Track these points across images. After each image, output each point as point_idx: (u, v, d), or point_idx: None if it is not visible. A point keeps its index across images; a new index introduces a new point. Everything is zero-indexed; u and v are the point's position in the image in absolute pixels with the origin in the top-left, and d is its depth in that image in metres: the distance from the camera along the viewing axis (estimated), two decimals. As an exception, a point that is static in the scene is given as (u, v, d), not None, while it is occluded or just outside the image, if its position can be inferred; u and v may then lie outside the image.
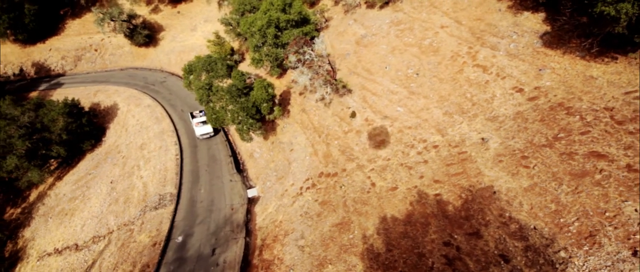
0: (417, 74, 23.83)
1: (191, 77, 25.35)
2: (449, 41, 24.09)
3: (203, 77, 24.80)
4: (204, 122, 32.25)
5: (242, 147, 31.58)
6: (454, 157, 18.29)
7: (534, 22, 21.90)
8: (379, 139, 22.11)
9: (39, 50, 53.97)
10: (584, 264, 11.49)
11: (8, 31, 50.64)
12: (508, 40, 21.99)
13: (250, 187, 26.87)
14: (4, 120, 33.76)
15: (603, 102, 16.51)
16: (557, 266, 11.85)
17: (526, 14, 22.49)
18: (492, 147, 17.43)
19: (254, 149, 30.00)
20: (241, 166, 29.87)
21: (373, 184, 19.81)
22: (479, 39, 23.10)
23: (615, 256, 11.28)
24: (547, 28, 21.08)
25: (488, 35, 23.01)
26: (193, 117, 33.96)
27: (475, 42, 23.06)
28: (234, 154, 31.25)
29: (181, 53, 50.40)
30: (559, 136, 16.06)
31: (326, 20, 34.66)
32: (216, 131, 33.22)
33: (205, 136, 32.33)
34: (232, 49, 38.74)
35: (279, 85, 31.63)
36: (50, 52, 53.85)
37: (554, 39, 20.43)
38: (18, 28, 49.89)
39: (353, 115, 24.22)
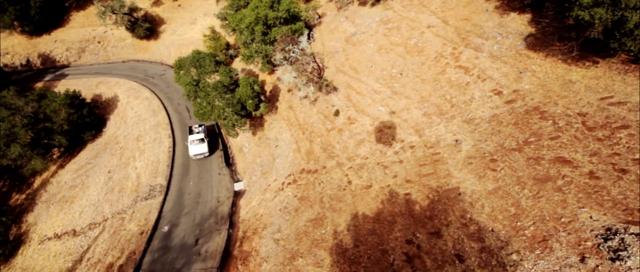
0: (401, 74, 23.93)
1: (182, 72, 26.02)
2: (434, 41, 24.03)
3: (193, 73, 25.44)
4: (202, 140, 29.72)
5: (232, 141, 32.33)
6: (427, 158, 18.56)
7: (520, 23, 21.67)
8: (359, 138, 22.46)
9: (45, 42, 55.50)
10: (533, 268, 11.81)
11: (15, 23, 52.14)
12: (492, 41, 21.84)
13: (238, 180, 27.66)
14: (8, 110, 35.25)
15: (578, 107, 16.48)
16: (508, 268, 12.19)
17: (513, 15, 22.23)
18: (464, 149, 17.63)
19: (243, 143, 30.71)
20: (231, 159, 30.66)
21: (349, 182, 20.28)
22: (463, 40, 22.99)
23: (563, 261, 11.56)
24: (532, 30, 20.86)
25: (473, 36, 22.87)
26: (190, 132, 31.43)
27: (460, 42, 22.96)
28: (225, 148, 32.04)
29: (181, 46, 51.15)
30: (529, 140, 16.16)
31: (319, 17, 34.73)
32: (212, 148, 30.81)
33: (198, 157, 29.44)
34: (227, 44, 39.22)
35: (270, 81, 32.07)
36: (56, 43, 55.32)
37: (538, 41, 20.24)
38: (24, 20, 51.34)
39: (337, 113, 24.57)
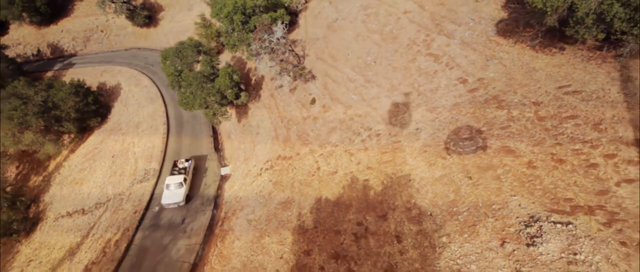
0: (375, 62, 24.14)
1: (167, 62, 27.26)
2: (408, 28, 23.87)
3: (177, 63, 26.64)
4: (180, 184, 24.81)
5: (222, 128, 33.88)
6: (389, 146, 19.31)
7: (493, 8, 21.20)
8: (331, 125, 23.30)
9: (53, 32, 57.95)
10: (458, 250, 12.80)
11: (24, 14, 54.50)
12: (464, 27, 21.56)
13: (225, 165, 29.40)
14: (20, 99, 38.10)
15: (535, 96, 16.57)
16: (437, 249, 13.24)
17: (488, -2, 21.68)
18: (422, 138, 18.22)
19: (231, 130, 32.20)
20: (219, 145, 32.36)
21: (318, 168, 21.43)
22: (437, 26, 22.75)
23: (486, 245, 12.45)
24: (504, 15, 20.43)
25: (447, 21, 22.56)
26: (172, 170, 26.59)
27: (434, 29, 22.75)
28: (215, 134, 33.70)
29: (178, 33, 52.11)
30: (482, 129, 16.55)
31: (305, 2, 34.52)
32: (196, 187, 26.20)
33: (171, 206, 24.50)
34: (218, 31, 39.80)
35: (255, 69, 32.83)
36: (62, 33, 57.67)
37: (508, 27, 19.92)
38: (31, 11, 53.54)
39: (313, 102, 25.33)
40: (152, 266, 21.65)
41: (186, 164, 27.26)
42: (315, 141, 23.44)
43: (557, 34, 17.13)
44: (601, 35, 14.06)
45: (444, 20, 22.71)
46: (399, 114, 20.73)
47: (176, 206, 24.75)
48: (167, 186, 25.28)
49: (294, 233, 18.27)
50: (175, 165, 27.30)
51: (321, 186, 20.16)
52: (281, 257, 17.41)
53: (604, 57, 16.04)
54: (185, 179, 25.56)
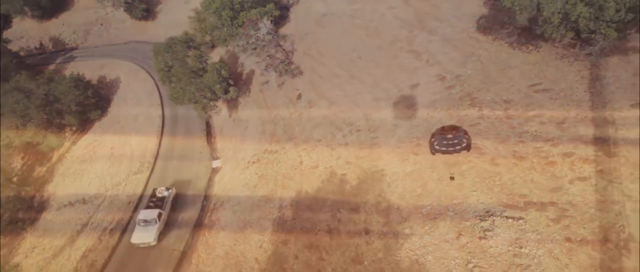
0: (360, 57, 24.50)
1: (159, 58, 27.97)
2: (393, 24, 24.06)
3: (167, 59, 27.33)
4: (155, 221, 22.00)
5: (214, 121, 34.75)
6: (367, 142, 19.93)
7: (475, 4, 21.30)
8: (315, 121, 23.92)
9: (54, 25, 58.93)
10: (419, 240, 13.54)
11: (25, 8, 55.47)
12: (446, 24, 21.74)
13: (216, 158, 30.37)
14: (22, 93, 39.41)
15: (507, 94, 16.95)
16: (400, 239, 14.00)
17: (470, -5, 21.72)
18: (398, 134, 18.77)
19: (223, 124, 33.05)
20: (212, 139, 33.29)
21: (301, 162, 22.20)
22: (420, 22, 22.93)
23: (443, 237, 13.17)
24: (485, 12, 20.52)
25: (430, 18, 22.72)
26: (149, 200, 24.03)
27: (417, 25, 22.94)
28: (208, 127, 34.60)
29: (175, 27, 52.18)
30: (453, 126, 16.99)
31: (297, -4, 34.59)
32: (173, 223, 23.11)
33: (142, 245, 21.84)
34: (213, 26, 40.13)
35: (247, 64, 33.33)
36: (63, 27, 58.62)
37: (488, 24, 20.10)
38: (32, 4, 54.46)
39: (299, 97, 25.91)
40: (145, 253, 22.92)
41: (165, 193, 24.27)
42: (300, 135, 24.14)
43: (533, 32, 17.29)
44: (569, 34, 14.27)
45: (427, 16, 22.85)
46: (379, 110, 21.23)
47: (147, 245, 21.69)
48: (139, 221, 22.29)
49: (274, 224, 19.21)
50: (153, 194, 24.45)
51: (302, 180, 20.95)
52: (260, 247, 18.41)
53: (577, 55, 16.26)
54: (160, 215, 22.44)
